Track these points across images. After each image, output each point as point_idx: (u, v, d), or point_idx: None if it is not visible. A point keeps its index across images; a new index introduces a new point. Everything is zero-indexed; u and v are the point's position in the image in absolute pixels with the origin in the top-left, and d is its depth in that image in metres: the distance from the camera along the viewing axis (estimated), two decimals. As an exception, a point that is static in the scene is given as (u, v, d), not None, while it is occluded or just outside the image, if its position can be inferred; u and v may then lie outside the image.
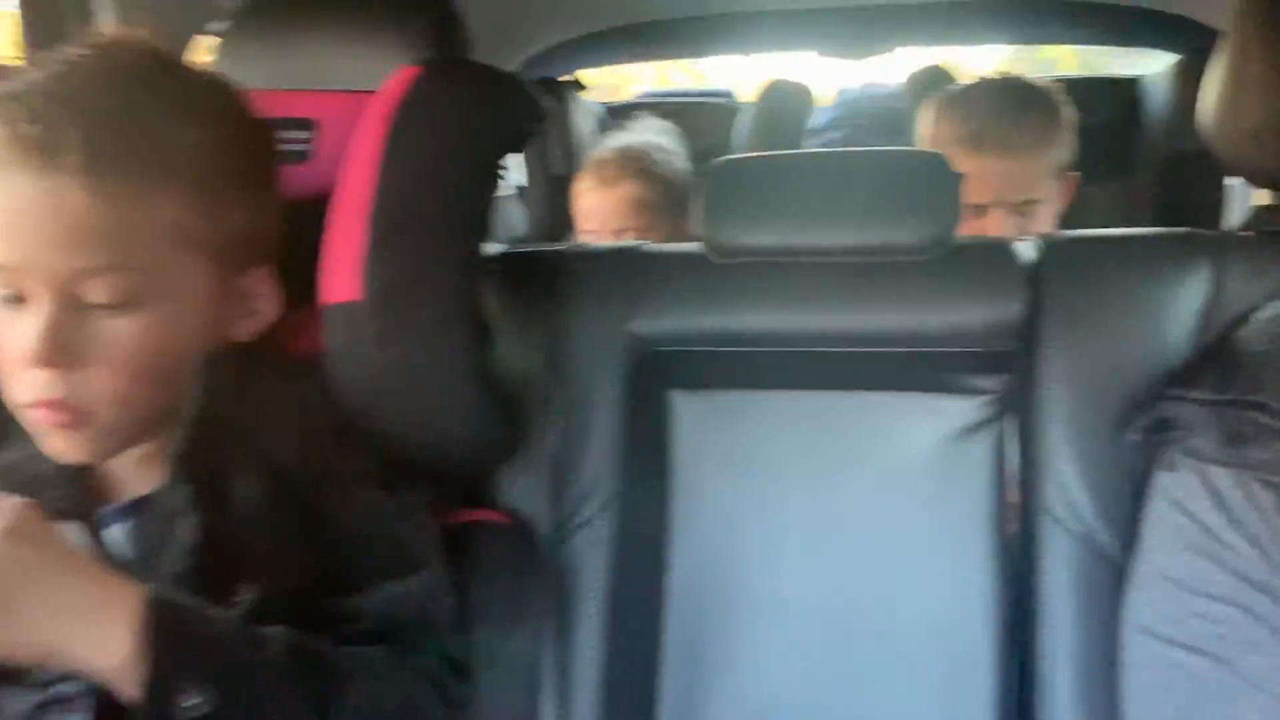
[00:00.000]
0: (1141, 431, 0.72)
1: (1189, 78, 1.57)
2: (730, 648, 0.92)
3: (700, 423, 0.94)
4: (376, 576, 0.64)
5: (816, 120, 1.87)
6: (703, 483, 0.93)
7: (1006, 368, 0.88)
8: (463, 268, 0.73)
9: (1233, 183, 1.54)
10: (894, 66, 1.84)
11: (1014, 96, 1.26)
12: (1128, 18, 1.57)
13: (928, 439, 0.90)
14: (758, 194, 0.90)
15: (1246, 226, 0.87)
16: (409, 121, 0.72)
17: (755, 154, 1.07)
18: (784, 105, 1.81)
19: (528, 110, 0.80)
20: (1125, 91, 1.76)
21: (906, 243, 0.87)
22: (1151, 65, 1.76)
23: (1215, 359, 0.70)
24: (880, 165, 0.92)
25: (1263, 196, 0.92)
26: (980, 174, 1.17)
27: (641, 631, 0.91)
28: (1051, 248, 0.88)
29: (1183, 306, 0.81)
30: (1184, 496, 0.65)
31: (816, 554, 0.92)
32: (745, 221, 0.90)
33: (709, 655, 0.92)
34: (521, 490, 0.86)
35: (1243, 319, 0.72)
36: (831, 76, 2.09)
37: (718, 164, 0.94)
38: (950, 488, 0.90)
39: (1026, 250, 0.89)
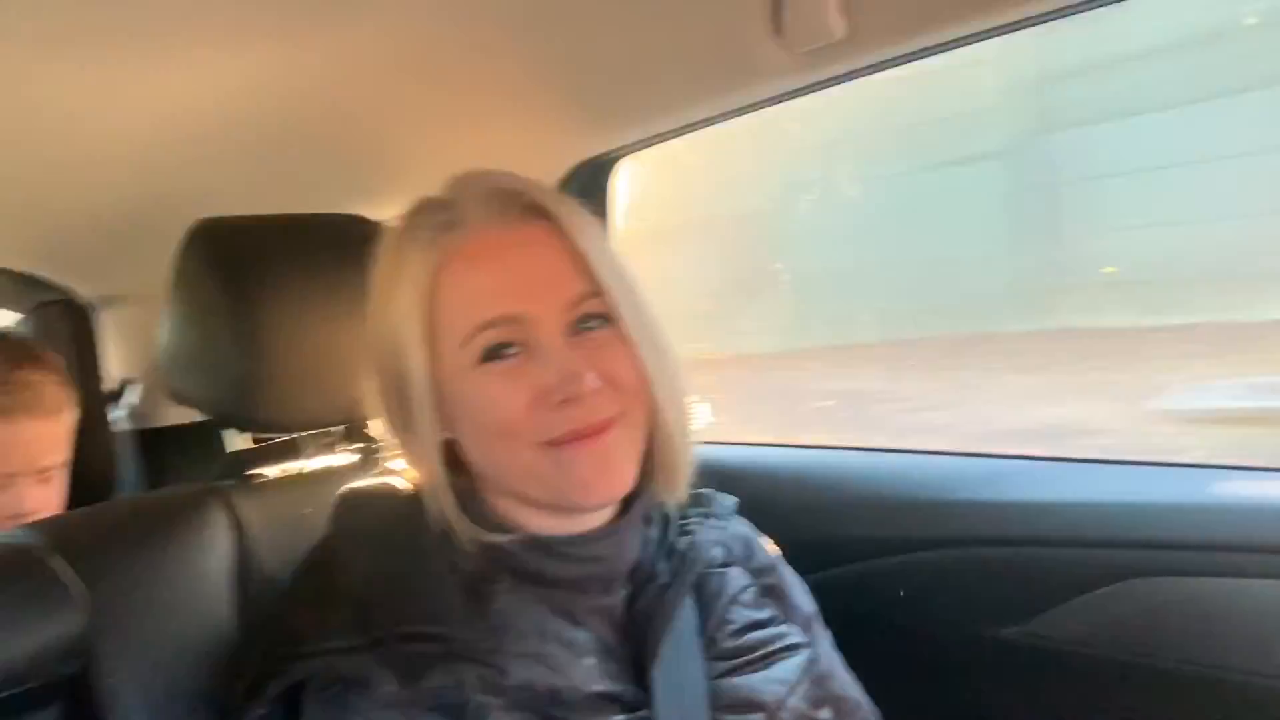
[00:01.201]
0: (269, 704, 0.68)
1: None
2: None
3: None
4: None
5: None
6: None
7: (67, 692, 0.74)
8: None
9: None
10: None
11: (27, 355, 1.19)
12: None
13: None
14: None
15: (240, 472, 0.91)
16: None
17: None
18: None
19: None
20: None
21: None
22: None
23: (330, 605, 0.68)
24: None
25: (245, 441, 0.99)
26: (8, 442, 1.12)
27: None
28: (66, 530, 0.78)
29: (220, 557, 0.81)
30: None
31: None
32: None
33: None
34: None
35: (329, 557, 0.73)
36: None
37: None
38: None
39: (37, 541, 0.76)
